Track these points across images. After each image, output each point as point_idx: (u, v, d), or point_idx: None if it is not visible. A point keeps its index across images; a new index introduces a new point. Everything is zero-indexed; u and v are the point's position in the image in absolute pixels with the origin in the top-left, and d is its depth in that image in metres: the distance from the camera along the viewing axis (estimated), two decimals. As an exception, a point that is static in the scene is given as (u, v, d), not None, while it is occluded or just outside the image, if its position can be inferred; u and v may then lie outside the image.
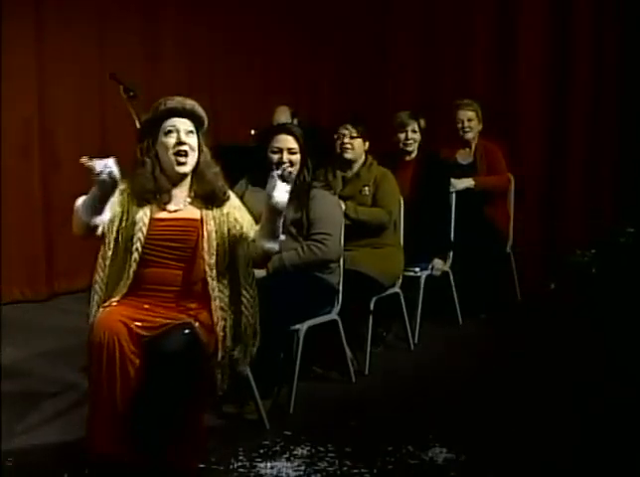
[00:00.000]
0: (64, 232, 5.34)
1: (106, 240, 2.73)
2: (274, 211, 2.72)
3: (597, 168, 5.26)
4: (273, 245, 2.80)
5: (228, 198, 2.88)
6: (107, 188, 2.51)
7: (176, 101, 2.81)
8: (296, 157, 3.52)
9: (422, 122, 4.67)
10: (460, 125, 5.02)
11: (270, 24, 6.29)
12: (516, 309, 5.14)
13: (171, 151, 2.76)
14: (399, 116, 4.67)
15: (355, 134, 4.12)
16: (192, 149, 2.79)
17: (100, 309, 2.70)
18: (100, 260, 2.77)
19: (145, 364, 2.61)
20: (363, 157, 4.17)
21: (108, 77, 4.54)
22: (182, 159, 2.77)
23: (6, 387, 3.55)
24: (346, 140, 4.13)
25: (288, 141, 3.52)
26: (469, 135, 5.03)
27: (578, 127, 5.26)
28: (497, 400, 3.55)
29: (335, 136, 4.18)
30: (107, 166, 2.45)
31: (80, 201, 2.60)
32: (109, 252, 2.74)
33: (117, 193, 2.73)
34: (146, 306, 2.72)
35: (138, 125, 4.33)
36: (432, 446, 3.02)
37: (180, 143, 2.76)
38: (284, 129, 3.62)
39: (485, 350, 4.34)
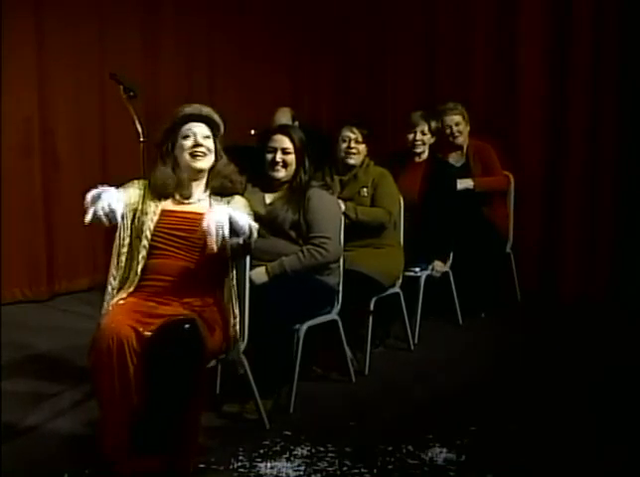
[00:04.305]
0: (64, 232, 5.38)
1: (121, 236, 2.86)
2: None
3: (597, 167, 5.26)
4: None
5: (238, 190, 3.02)
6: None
7: (193, 108, 2.98)
8: (290, 157, 3.52)
9: (434, 124, 4.61)
10: (449, 131, 4.94)
11: (270, 24, 6.29)
12: (516, 309, 5.15)
13: (187, 152, 2.91)
14: (411, 116, 4.59)
15: (360, 139, 4.05)
16: (209, 151, 2.95)
17: (109, 307, 2.77)
18: (115, 257, 2.87)
19: (147, 360, 2.62)
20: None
21: (108, 76, 4.54)
22: (198, 157, 2.92)
23: (6, 387, 3.56)
24: (352, 144, 4.04)
25: (283, 141, 3.53)
26: (459, 140, 4.97)
27: (578, 127, 5.25)
28: (497, 400, 3.55)
29: (339, 138, 4.08)
30: (105, 208, 2.57)
31: (90, 196, 2.64)
32: (124, 248, 2.85)
33: (136, 188, 2.91)
34: (151, 304, 2.76)
35: (138, 126, 4.35)
36: (432, 446, 3.02)
37: (196, 145, 2.92)
38: (280, 130, 3.65)
39: (485, 350, 4.34)
